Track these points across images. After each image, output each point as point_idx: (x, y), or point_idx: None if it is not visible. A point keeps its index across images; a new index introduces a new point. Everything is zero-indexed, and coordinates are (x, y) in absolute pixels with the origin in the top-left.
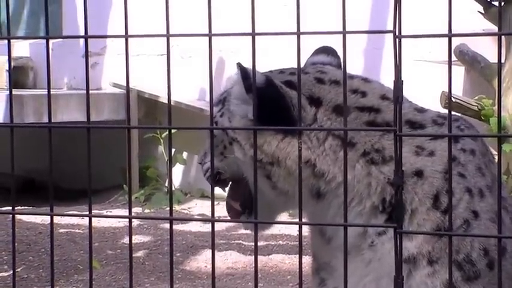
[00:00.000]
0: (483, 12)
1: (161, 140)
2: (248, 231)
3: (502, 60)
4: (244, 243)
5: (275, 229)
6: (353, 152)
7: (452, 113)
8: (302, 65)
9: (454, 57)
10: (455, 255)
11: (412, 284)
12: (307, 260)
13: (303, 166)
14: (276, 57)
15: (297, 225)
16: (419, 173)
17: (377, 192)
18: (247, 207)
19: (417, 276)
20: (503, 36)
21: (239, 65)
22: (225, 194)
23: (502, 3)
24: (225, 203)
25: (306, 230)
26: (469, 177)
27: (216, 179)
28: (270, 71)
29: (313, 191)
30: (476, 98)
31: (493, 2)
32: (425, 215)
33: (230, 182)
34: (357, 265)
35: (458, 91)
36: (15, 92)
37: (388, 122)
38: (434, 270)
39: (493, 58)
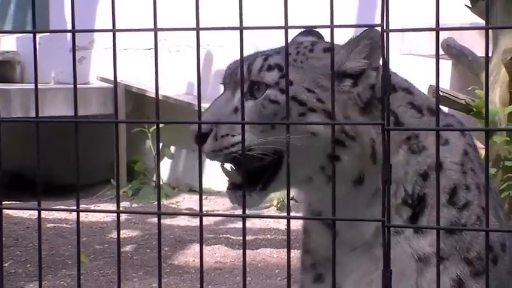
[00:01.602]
0: (470, 6)
1: (149, 135)
2: (237, 204)
3: (489, 54)
4: (232, 237)
5: (263, 223)
6: (400, 133)
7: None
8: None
9: (441, 51)
10: (466, 253)
11: (422, 282)
12: (295, 254)
13: (368, 146)
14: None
15: (285, 220)
16: (439, 166)
17: (411, 183)
18: (251, 183)
19: (428, 274)
20: (490, 30)
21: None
22: (214, 189)
23: None
24: (212, 197)
25: (294, 224)
26: (478, 173)
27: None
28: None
29: (355, 176)
30: (469, 89)
31: None
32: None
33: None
34: (363, 261)
35: (445, 85)
36: (2, 86)
37: (420, 106)
38: (445, 267)
39: (480, 52)
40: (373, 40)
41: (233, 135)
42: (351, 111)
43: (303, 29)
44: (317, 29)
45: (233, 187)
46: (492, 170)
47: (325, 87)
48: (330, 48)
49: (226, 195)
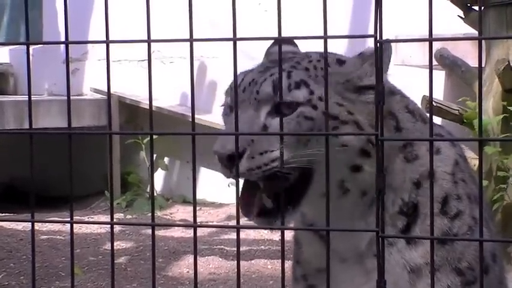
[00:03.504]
0: (463, 16)
1: (143, 146)
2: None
3: (482, 65)
4: (226, 248)
5: (257, 234)
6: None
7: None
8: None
9: (434, 62)
10: (457, 263)
11: None
12: (289, 264)
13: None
14: (257, 62)
15: (279, 230)
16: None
17: (407, 190)
18: (284, 204)
19: (420, 286)
20: (483, 41)
21: None
22: (208, 200)
23: (482, 8)
24: (206, 208)
25: (288, 234)
26: (468, 183)
27: (271, 172)
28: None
29: (340, 185)
30: (459, 100)
31: (472, 7)
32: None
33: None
34: (355, 272)
35: (438, 95)
36: None
37: (413, 111)
38: (436, 278)
39: (473, 62)
40: (389, 52)
41: (272, 151)
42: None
43: (295, 39)
44: (311, 40)
45: (261, 213)
46: (484, 182)
47: (351, 99)
48: (341, 61)
49: (220, 207)
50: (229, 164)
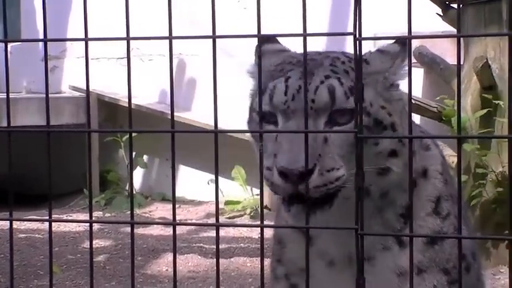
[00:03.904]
0: (442, 14)
1: (122, 144)
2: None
3: (461, 62)
4: (205, 246)
5: (236, 232)
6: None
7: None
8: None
9: (413, 59)
10: (445, 263)
11: None
12: (268, 262)
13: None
14: (236, 59)
15: (258, 228)
16: (425, 172)
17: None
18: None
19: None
20: (461, 38)
21: None
22: (187, 197)
23: (460, 6)
24: (186, 206)
25: (267, 232)
26: (449, 183)
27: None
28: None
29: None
30: (438, 98)
31: (451, 5)
32: (422, 221)
33: None
34: (343, 276)
35: (417, 93)
36: None
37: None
38: (423, 278)
39: (451, 60)
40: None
41: (337, 169)
42: (403, 118)
43: (274, 36)
44: (290, 38)
45: (307, 202)
46: (463, 177)
47: (388, 98)
48: (367, 60)
49: (199, 204)
50: (299, 181)
